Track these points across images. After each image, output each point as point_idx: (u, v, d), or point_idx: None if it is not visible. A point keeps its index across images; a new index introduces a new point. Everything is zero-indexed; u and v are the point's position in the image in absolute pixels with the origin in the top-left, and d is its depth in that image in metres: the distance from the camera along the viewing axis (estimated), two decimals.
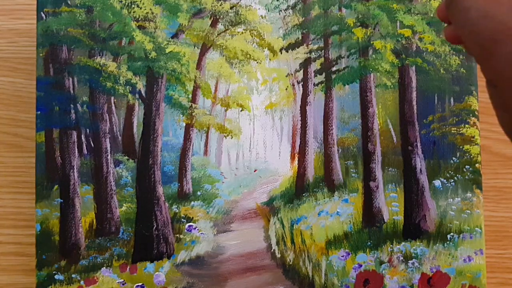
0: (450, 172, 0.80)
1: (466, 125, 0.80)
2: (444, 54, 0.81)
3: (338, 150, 0.82)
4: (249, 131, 0.82)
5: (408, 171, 0.81)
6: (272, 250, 0.80)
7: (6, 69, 0.83)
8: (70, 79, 0.79)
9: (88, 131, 0.79)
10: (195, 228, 0.80)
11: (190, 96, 0.82)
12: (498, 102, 0.28)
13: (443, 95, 0.81)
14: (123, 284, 0.76)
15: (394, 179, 0.81)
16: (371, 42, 0.81)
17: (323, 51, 0.83)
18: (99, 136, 0.79)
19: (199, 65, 0.82)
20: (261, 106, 0.82)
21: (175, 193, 0.81)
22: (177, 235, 0.79)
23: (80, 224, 0.78)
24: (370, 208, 0.81)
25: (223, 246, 0.80)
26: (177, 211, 0.80)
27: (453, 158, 0.80)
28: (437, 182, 0.80)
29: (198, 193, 0.82)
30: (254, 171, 0.82)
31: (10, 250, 0.81)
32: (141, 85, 0.80)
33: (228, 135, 0.82)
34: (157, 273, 0.77)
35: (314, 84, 0.84)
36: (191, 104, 0.82)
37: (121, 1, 0.78)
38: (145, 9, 0.79)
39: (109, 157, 0.79)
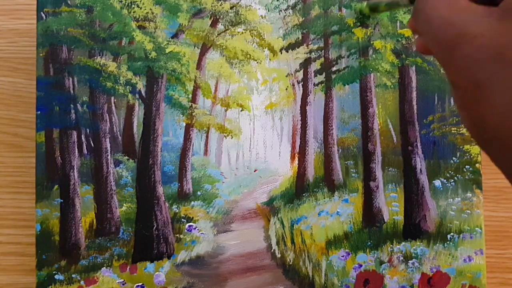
0: (450, 172, 0.80)
1: None
2: None
3: (338, 150, 0.82)
4: (249, 131, 0.82)
5: (408, 171, 0.81)
6: (272, 250, 0.80)
7: (6, 69, 0.83)
8: (70, 79, 0.79)
9: (88, 131, 0.79)
10: (195, 228, 0.80)
11: (190, 96, 0.82)
12: (461, 102, 0.30)
13: (443, 95, 0.81)
14: (123, 284, 0.76)
15: (394, 179, 0.81)
16: (371, 42, 0.81)
17: (323, 51, 0.83)
18: (99, 136, 0.79)
19: (199, 65, 0.82)
20: (261, 106, 0.82)
21: (175, 193, 0.81)
22: (177, 235, 0.79)
23: (80, 224, 0.78)
24: (370, 208, 0.81)
25: (223, 246, 0.80)
26: (177, 211, 0.80)
27: (453, 158, 0.80)
28: (437, 182, 0.80)
29: (198, 193, 0.82)
30: (254, 171, 0.82)
31: (10, 250, 0.81)
32: (141, 85, 0.80)
33: (228, 135, 0.82)
34: (157, 273, 0.77)
35: (314, 84, 0.84)
36: (191, 104, 0.82)
37: (121, 1, 0.78)
38: (145, 9, 0.79)
39: (109, 157, 0.79)
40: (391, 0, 0.41)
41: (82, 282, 0.75)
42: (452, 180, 0.80)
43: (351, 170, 0.82)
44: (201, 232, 0.80)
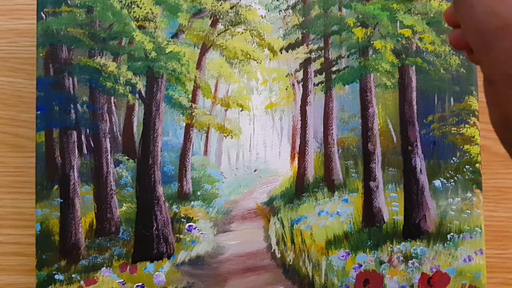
0: (450, 172, 0.80)
1: (466, 125, 0.80)
2: (444, 54, 0.81)
3: (338, 150, 0.82)
4: (249, 131, 0.82)
5: (408, 171, 0.81)
6: (272, 250, 0.80)
7: (6, 69, 0.83)
8: (70, 79, 0.79)
9: (88, 131, 0.79)
10: (195, 228, 0.80)
11: (190, 96, 0.82)
12: (492, 98, 0.30)
13: (443, 95, 0.81)
14: (123, 284, 0.76)
15: (394, 179, 0.81)
16: (371, 42, 0.81)
17: (323, 51, 0.83)
18: (99, 136, 0.79)
19: (199, 65, 0.82)
20: (261, 106, 0.82)
21: (175, 193, 0.81)
22: (177, 235, 0.79)
23: (80, 224, 0.78)
24: (370, 208, 0.81)
25: (223, 246, 0.80)
26: (177, 211, 0.80)
27: (453, 158, 0.80)
28: (437, 182, 0.80)
29: (198, 193, 0.82)
30: (254, 171, 0.82)
31: (10, 250, 0.81)
32: (141, 85, 0.80)
33: (228, 135, 0.82)
34: (157, 273, 0.77)
35: (314, 84, 0.84)
36: (191, 104, 0.82)
37: (121, 1, 0.78)
38: (145, 9, 0.79)
39: (109, 157, 0.79)
40: None
41: (82, 282, 0.75)
42: (452, 180, 0.80)
43: (351, 170, 0.82)
44: (201, 232, 0.80)
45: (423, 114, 0.81)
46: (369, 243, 0.79)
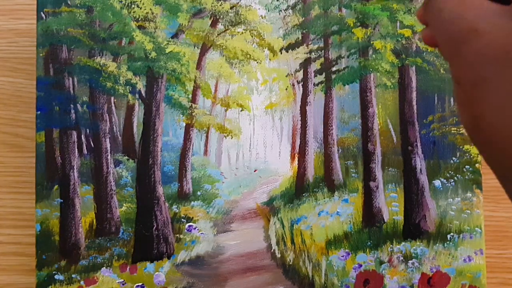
0: (450, 172, 0.80)
1: None
2: None
3: (338, 150, 0.82)
4: (249, 131, 0.82)
5: (408, 171, 0.81)
6: (272, 250, 0.80)
7: (6, 69, 0.83)
8: (70, 79, 0.79)
9: (88, 131, 0.79)
10: (195, 228, 0.80)
11: (190, 96, 0.82)
12: (461, 99, 0.30)
13: (443, 95, 0.81)
14: (123, 284, 0.76)
15: (394, 179, 0.81)
16: (371, 42, 0.81)
17: (323, 51, 0.83)
18: (99, 136, 0.79)
19: (199, 65, 0.82)
20: (261, 106, 0.82)
21: (175, 193, 0.81)
22: (177, 235, 0.79)
23: (80, 224, 0.78)
24: (370, 208, 0.81)
25: (223, 246, 0.80)
26: (177, 211, 0.80)
27: (453, 158, 0.80)
28: (437, 182, 0.80)
29: (198, 193, 0.82)
30: (254, 171, 0.82)
31: (10, 250, 0.81)
32: (141, 85, 0.80)
33: (228, 135, 0.82)
34: (157, 273, 0.77)
35: (314, 84, 0.84)
36: (191, 104, 0.82)
37: (121, 1, 0.78)
38: (145, 9, 0.79)
39: (109, 157, 0.79)
40: None
41: (82, 282, 0.75)
42: (452, 180, 0.80)
43: (351, 170, 0.82)
44: (201, 232, 0.80)
45: (423, 114, 0.81)
46: (369, 243, 0.79)
